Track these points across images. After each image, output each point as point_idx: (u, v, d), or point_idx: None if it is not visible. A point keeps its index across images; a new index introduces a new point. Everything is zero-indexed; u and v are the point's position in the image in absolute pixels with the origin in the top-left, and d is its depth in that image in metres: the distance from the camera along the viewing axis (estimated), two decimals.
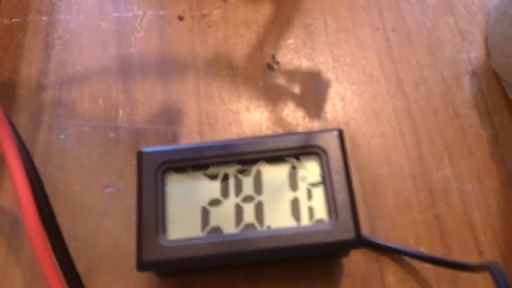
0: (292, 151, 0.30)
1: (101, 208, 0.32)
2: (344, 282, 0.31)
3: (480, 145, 0.35)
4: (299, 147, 0.30)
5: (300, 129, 0.35)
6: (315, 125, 0.35)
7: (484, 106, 0.36)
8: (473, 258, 0.31)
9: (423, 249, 0.32)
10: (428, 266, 0.31)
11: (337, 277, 0.31)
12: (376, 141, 0.35)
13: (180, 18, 0.39)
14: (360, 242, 0.28)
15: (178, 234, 0.28)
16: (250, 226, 0.28)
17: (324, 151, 0.30)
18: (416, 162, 0.34)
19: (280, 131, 0.35)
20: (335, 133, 0.30)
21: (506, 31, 0.35)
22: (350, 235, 0.27)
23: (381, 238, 0.32)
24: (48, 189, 0.27)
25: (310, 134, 0.30)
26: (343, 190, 0.29)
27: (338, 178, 0.29)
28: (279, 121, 0.35)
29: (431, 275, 0.31)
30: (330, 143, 0.30)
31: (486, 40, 0.38)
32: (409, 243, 0.32)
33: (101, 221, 0.32)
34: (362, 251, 0.31)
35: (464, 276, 0.31)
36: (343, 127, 0.35)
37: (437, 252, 0.31)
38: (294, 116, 0.35)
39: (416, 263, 0.31)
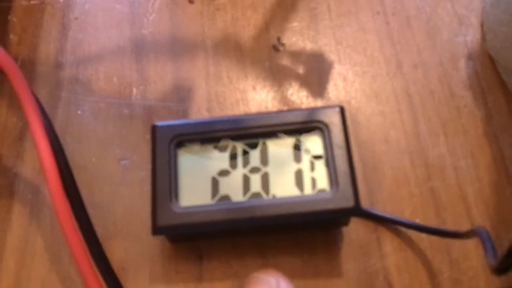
0: (296, 126, 0.32)
1: (116, 179, 0.34)
2: (344, 250, 0.33)
3: (474, 123, 0.37)
4: (303, 122, 0.32)
5: (304, 108, 0.37)
6: (318, 103, 0.37)
7: (478, 87, 0.38)
8: (465, 229, 0.33)
9: (418, 221, 0.34)
10: (423, 236, 0.33)
11: (338, 245, 0.33)
12: (375, 119, 0.37)
13: (190, 1, 0.40)
14: (358, 210, 0.30)
15: (190, 201, 0.30)
16: (256, 194, 0.30)
17: (326, 126, 0.32)
18: (413, 139, 0.36)
19: (284, 109, 0.37)
20: (337, 109, 0.32)
21: (500, 16, 0.37)
22: (349, 203, 0.30)
23: (379, 210, 0.34)
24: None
25: (313, 110, 0.32)
26: (343, 162, 0.31)
27: (339, 151, 0.31)
28: (284, 100, 0.37)
29: (426, 244, 0.33)
30: (332, 118, 0.32)
31: (482, 24, 0.40)
32: (405, 215, 0.34)
33: (117, 191, 0.34)
34: (361, 221, 0.33)
35: (457, 245, 0.33)
36: (344, 105, 0.37)
37: (432, 223, 0.33)
38: (298, 95, 0.37)
39: (412, 233, 0.33)
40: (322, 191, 0.30)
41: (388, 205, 0.34)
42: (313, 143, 0.32)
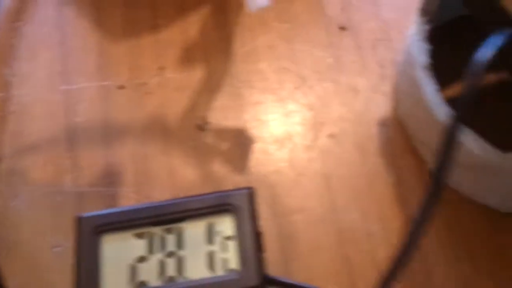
0: (209, 209, 0.35)
1: (50, 266, 0.37)
2: None
3: (386, 189, 0.39)
4: (216, 205, 0.35)
5: (228, 184, 0.40)
6: (240, 179, 0.40)
7: (391, 153, 0.41)
8: None
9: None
10: None
11: None
12: (293, 190, 0.39)
13: (121, 87, 0.43)
14: (263, 286, 0.32)
15: None
16: (171, 278, 0.33)
17: (236, 208, 0.34)
18: (328, 208, 0.39)
19: (209, 186, 0.39)
20: (246, 191, 0.35)
21: (405, 86, 0.40)
22: (255, 282, 0.32)
23: (295, 279, 0.36)
24: (3, 251, 0.31)
25: (224, 193, 0.35)
26: (251, 242, 0.33)
27: (247, 232, 0.34)
28: (208, 177, 0.40)
29: None
30: (242, 200, 0.34)
31: (394, 92, 0.43)
32: (320, 282, 0.36)
33: (50, 278, 0.37)
34: None
35: None
36: (265, 179, 0.40)
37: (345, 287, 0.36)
38: (222, 172, 0.40)
39: None
40: (232, 271, 0.33)
41: (303, 273, 0.37)
42: (225, 225, 0.34)
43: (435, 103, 0.37)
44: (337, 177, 0.40)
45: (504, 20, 0.29)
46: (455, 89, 0.41)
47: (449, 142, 0.24)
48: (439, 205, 0.38)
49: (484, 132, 0.35)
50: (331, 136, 0.41)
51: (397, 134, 0.41)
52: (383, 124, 0.42)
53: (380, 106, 0.42)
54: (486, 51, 0.24)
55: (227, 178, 0.40)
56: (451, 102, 0.37)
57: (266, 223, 0.38)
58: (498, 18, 0.29)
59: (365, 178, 0.40)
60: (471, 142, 0.35)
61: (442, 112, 0.36)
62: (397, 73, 0.43)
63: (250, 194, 0.35)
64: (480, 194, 0.39)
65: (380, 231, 0.38)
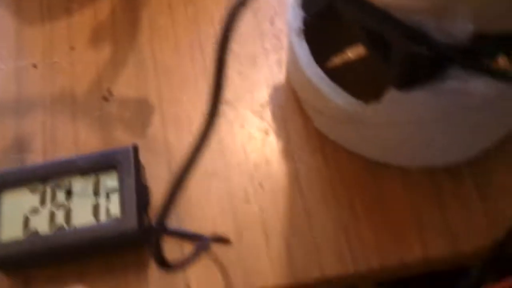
0: (98, 165, 0.38)
1: None
2: (152, 266, 0.39)
3: (276, 148, 0.43)
4: (103, 162, 0.38)
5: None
6: (141, 143, 0.43)
7: (282, 115, 0.44)
8: (259, 238, 0.39)
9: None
10: (222, 250, 0.39)
11: (147, 264, 0.39)
12: (187, 148, 0.43)
13: (35, 66, 0.47)
14: (143, 231, 0.36)
15: (6, 236, 0.36)
16: (60, 227, 0.37)
17: (120, 163, 0.38)
18: (220, 166, 0.42)
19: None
20: (130, 148, 0.38)
21: (289, 52, 0.44)
22: (133, 226, 0.36)
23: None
24: None
25: (111, 150, 0.39)
26: (132, 193, 0.37)
27: (129, 184, 0.37)
28: (111, 143, 0.43)
29: (223, 257, 0.39)
30: (126, 156, 0.38)
31: (286, 60, 0.46)
32: (208, 230, 0.39)
33: None
34: (171, 240, 0.39)
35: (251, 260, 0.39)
36: (162, 140, 0.43)
37: (231, 235, 0.39)
38: (124, 138, 0.43)
39: (214, 248, 0.39)
40: (114, 218, 0.36)
41: (194, 224, 0.40)
42: (110, 179, 0.38)
43: (308, 65, 0.40)
44: (231, 138, 0.43)
45: None
46: (338, 59, 0.45)
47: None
48: (322, 157, 0.42)
49: (348, 87, 0.39)
50: (227, 102, 0.45)
51: (289, 99, 0.45)
52: (277, 89, 0.45)
53: (274, 74, 0.46)
54: None
55: (128, 142, 0.43)
56: (333, 70, 0.41)
57: (162, 179, 0.42)
58: None
59: (257, 139, 0.43)
60: (338, 97, 0.39)
61: (313, 73, 0.40)
62: (290, 42, 0.46)
63: (134, 150, 0.38)
64: (357, 145, 0.42)
65: (267, 188, 0.41)
